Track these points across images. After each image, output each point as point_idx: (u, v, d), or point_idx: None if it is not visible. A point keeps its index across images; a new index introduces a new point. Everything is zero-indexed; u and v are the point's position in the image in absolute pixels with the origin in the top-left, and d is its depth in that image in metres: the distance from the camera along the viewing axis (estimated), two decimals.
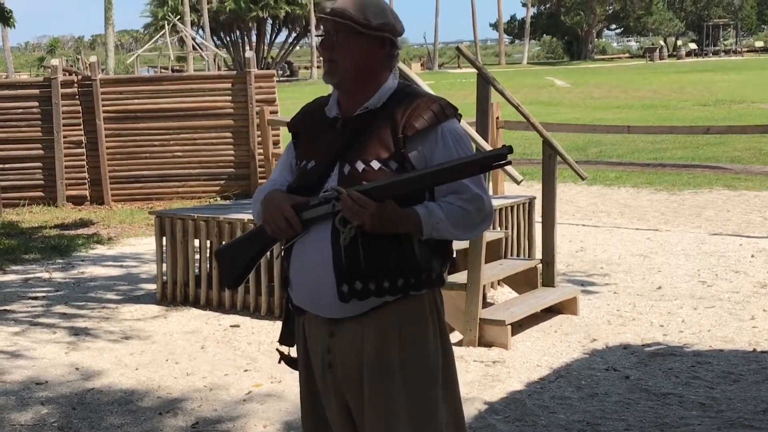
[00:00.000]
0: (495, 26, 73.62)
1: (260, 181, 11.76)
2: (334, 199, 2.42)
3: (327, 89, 2.62)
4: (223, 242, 6.39)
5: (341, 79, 2.53)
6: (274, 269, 6.21)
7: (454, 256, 2.69)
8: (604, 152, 15.44)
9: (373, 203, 2.37)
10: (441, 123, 2.49)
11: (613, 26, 75.61)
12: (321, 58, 2.62)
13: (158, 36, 37.86)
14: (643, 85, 34.37)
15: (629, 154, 15.06)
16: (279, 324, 6.01)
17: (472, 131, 5.31)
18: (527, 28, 69.24)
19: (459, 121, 2.58)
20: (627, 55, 74.48)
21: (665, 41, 73.26)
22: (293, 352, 2.72)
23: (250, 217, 6.28)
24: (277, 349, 2.74)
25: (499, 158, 2.41)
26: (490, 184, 8.58)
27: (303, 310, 2.60)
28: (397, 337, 2.50)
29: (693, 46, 67.81)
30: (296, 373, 2.73)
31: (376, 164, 2.45)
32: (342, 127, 2.54)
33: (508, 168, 5.79)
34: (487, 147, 5.55)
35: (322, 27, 2.54)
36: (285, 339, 2.72)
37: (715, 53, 64.59)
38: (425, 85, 5.10)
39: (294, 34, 59.47)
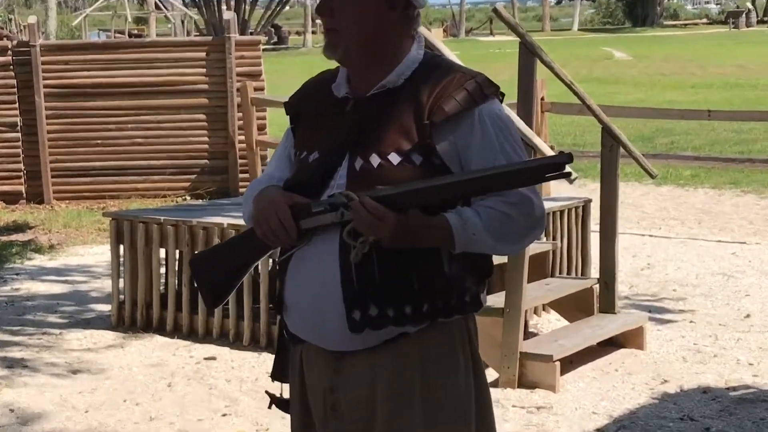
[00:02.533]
0: None
1: (241, 176, 11.78)
2: (342, 205, 2.40)
3: (325, 60, 2.61)
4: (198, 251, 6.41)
5: (346, 52, 2.53)
6: (260, 288, 6.23)
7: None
8: (676, 144, 15.45)
9: (393, 214, 2.35)
10: (478, 105, 2.49)
11: None
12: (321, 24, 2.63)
13: None
14: (725, 59, 34.34)
15: (709, 146, 15.07)
16: (266, 356, 6.07)
17: (513, 115, 5.32)
18: None
19: (501, 101, 2.59)
20: (705, 20, 74.48)
21: (754, 4, 73.23)
22: (286, 390, 2.73)
23: (231, 221, 6.29)
24: (266, 391, 2.75)
25: (556, 167, 2.41)
26: None
27: (301, 338, 2.61)
28: (419, 376, 2.51)
29: None
30: (288, 418, 2.74)
31: (395, 158, 2.46)
32: (353, 110, 2.54)
33: None
34: (534, 138, 5.57)
35: None
36: (278, 374, 2.73)
37: None
38: (454, 56, 5.11)
39: None
